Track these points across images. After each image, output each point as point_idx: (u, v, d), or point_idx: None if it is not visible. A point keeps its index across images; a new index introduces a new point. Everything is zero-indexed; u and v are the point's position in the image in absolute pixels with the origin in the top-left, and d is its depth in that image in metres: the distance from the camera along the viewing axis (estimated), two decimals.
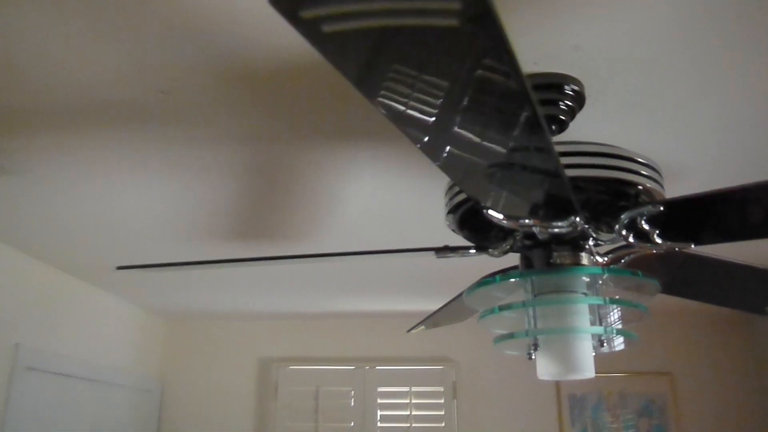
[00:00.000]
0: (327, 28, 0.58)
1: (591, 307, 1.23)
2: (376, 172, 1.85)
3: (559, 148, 1.15)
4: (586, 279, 1.23)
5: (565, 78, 1.33)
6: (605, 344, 1.21)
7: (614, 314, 1.25)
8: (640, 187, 1.17)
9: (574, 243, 1.24)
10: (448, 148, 0.87)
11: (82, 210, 2.16)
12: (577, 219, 1.12)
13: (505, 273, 1.28)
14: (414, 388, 3.88)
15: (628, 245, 1.29)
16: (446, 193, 1.29)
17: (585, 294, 1.23)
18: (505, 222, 1.15)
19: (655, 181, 1.19)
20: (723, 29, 1.19)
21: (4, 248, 2.58)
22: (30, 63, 1.31)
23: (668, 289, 1.69)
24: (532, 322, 1.21)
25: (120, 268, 1.63)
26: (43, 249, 2.63)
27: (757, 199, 1.14)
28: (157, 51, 1.26)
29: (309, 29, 0.59)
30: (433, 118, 0.77)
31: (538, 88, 1.32)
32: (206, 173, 1.85)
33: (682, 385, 3.78)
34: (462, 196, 1.23)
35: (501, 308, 1.21)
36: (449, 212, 1.28)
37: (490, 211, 1.13)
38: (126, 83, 1.38)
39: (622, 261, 1.42)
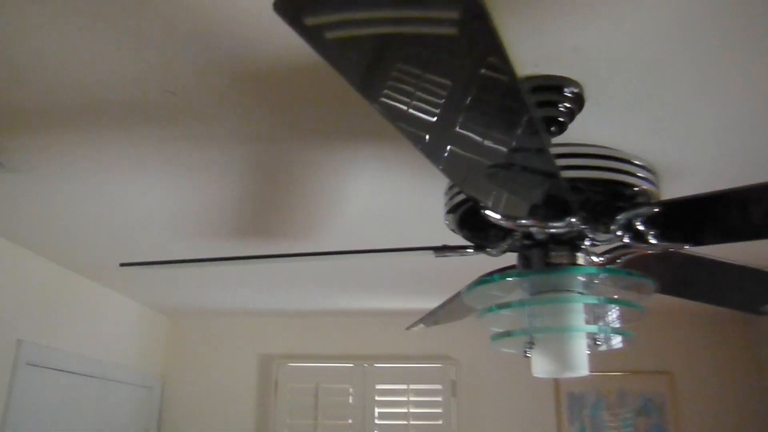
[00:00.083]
0: (329, 34, 0.60)
1: (587, 306, 1.25)
2: (377, 172, 1.87)
3: (556, 150, 1.17)
4: (582, 278, 1.25)
5: (564, 80, 1.35)
6: (600, 343, 1.23)
7: (611, 313, 1.27)
8: (636, 189, 1.19)
9: (571, 243, 1.26)
10: (447, 150, 0.89)
11: (85, 207, 2.18)
12: (574, 219, 1.14)
13: (503, 272, 1.30)
14: (412, 386, 3.91)
15: (625, 245, 1.31)
16: (446, 193, 1.31)
17: (581, 293, 1.25)
18: (503, 222, 1.17)
19: (651, 182, 1.21)
20: (722, 30, 1.21)
21: (6, 245, 2.60)
22: (32, 62, 1.32)
23: (666, 289, 1.72)
24: (529, 320, 1.23)
25: (123, 265, 1.65)
26: (46, 246, 2.65)
27: (751, 201, 1.16)
28: (159, 51, 1.28)
29: (312, 35, 0.61)
30: (433, 122, 0.79)
31: (537, 90, 1.34)
32: (208, 172, 1.87)
33: (680, 385, 3.80)
34: (461, 196, 1.25)
35: (499, 307, 1.23)
36: (449, 212, 1.30)
37: (489, 211, 1.15)
38: (128, 83, 1.40)
39: (619, 261, 1.44)
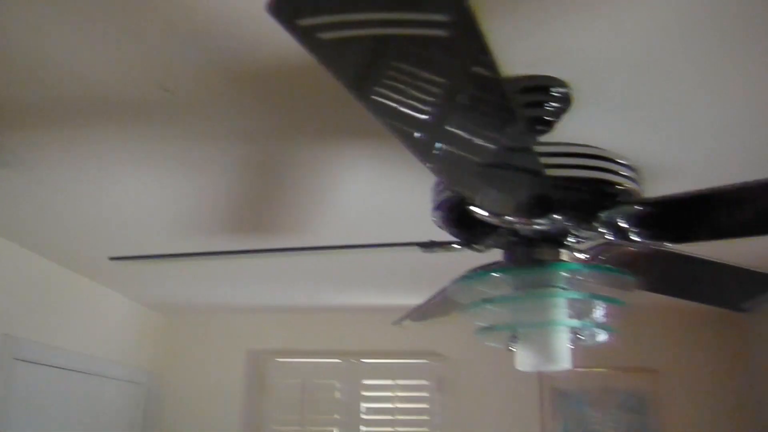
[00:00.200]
0: (322, 35, 0.62)
1: (570, 302, 1.28)
2: (371, 170, 1.89)
3: (541, 149, 1.19)
4: (565, 274, 1.28)
5: (551, 80, 1.38)
6: (583, 337, 1.27)
7: (593, 309, 1.30)
8: (619, 187, 1.21)
9: (555, 240, 1.29)
10: (435, 148, 0.92)
11: (78, 203, 2.19)
12: (558, 217, 1.17)
13: (488, 268, 1.32)
14: (399, 382, 3.94)
15: (608, 242, 1.35)
16: (433, 190, 1.34)
17: (564, 289, 1.28)
18: (489, 219, 1.20)
19: (633, 180, 1.24)
20: (709, 32, 1.23)
21: None
22: (30, 59, 1.33)
23: (649, 286, 1.75)
24: (513, 314, 1.25)
25: (113, 258, 1.66)
26: (38, 241, 2.65)
27: (733, 200, 1.19)
28: (156, 49, 1.29)
29: (305, 36, 0.63)
30: (422, 121, 0.82)
31: (524, 90, 1.37)
32: (203, 169, 1.89)
33: (664, 382, 3.84)
34: (448, 193, 1.27)
35: (483, 301, 1.26)
36: (436, 208, 1.32)
37: (475, 208, 1.18)
38: (125, 80, 1.41)
39: (602, 258, 1.47)
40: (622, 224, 1.24)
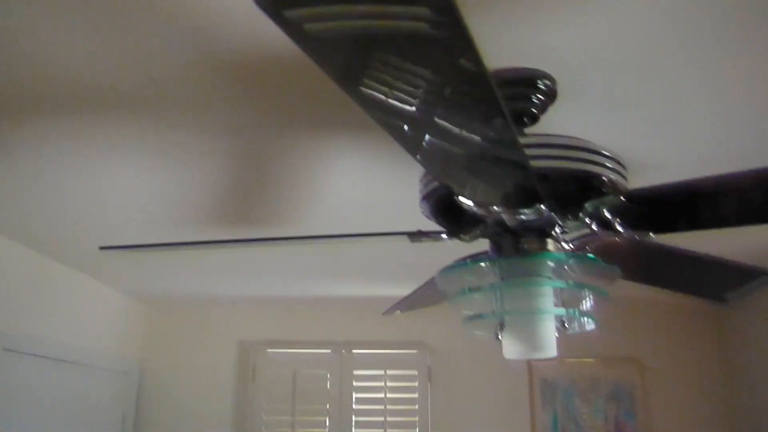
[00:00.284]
0: (309, 27, 0.64)
1: (556, 291, 1.30)
2: (359, 161, 1.90)
3: (527, 141, 1.21)
4: (551, 264, 1.30)
5: (536, 73, 1.39)
6: (568, 325, 1.29)
7: (578, 298, 1.32)
8: (603, 179, 1.23)
9: (541, 230, 1.31)
10: (423, 140, 0.93)
11: (65, 195, 2.19)
12: (543, 207, 1.19)
13: (475, 257, 1.34)
14: (389, 372, 3.96)
15: (593, 233, 1.37)
16: (420, 181, 1.35)
17: (550, 278, 1.30)
18: (475, 209, 1.21)
19: (618, 172, 1.26)
20: (694, 29, 1.25)
21: None
22: (18, 51, 1.33)
23: (633, 276, 1.78)
24: (499, 303, 1.27)
25: (103, 248, 1.67)
26: (26, 233, 2.64)
27: (715, 192, 1.21)
28: (144, 40, 1.30)
29: (292, 28, 0.64)
30: (409, 113, 0.83)
31: (510, 83, 1.38)
32: (192, 160, 1.89)
33: (650, 372, 3.90)
34: (435, 184, 1.29)
35: (470, 290, 1.28)
36: (423, 199, 1.34)
37: (462, 199, 1.19)
38: (113, 72, 1.41)
39: (588, 248, 1.49)
40: (607, 215, 1.26)
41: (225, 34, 1.27)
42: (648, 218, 1.27)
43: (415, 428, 3.87)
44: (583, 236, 1.47)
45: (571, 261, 1.29)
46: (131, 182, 2.08)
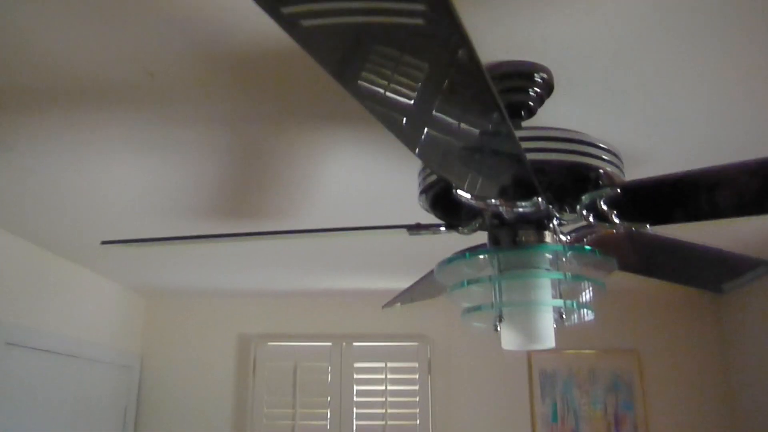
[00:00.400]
0: (306, 23, 0.64)
1: (553, 283, 1.31)
2: (358, 154, 1.91)
3: (523, 134, 1.22)
4: (549, 256, 1.31)
5: (533, 66, 1.40)
6: (566, 316, 1.30)
7: (576, 289, 1.33)
8: (600, 171, 1.24)
9: (539, 222, 1.32)
10: (421, 134, 0.94)
11: (64, 188, 2.20)
12: (540, 200, 1.20)
13: (473, 250, 1.35)
14: (389, 364, 3.98)
15: (590, 225, 1.38)
16: (419, 174, 1.36)
17: (548, 270, 1.32)
18: (473, 202, 1.22)
19: (614, 165, 1.27)
20: (690, 21, 1.26)
21: None
22: (13, 42, 1.34)
23: (630, 267, 1.79)
24: (498, 295, 1.29)
25: (104, 242, 1.68)
26: (26, 227, 2.65)
27: (710, 183, 1.22)
28: (141, 34, 1.31)
29: (289, 24, 0.65)
30: (406, 107, 0.84)
31: (506, 76, 1.39)
32: (188, 153, 1.90)
33: (647, 363, 3.92)
34: (433, 177, 1.30)
35: (469, 282, 1.29)
36: (422, 192, 1.35)
37: (460, 192, 1.20)
38: (110, 65, 1.42)
39: (585, 240, 1.51)
40: (604, 207, 1.27)
41: (223, 27, 1.28)
42: (644, 210, 1.28)
43: (416, 420, 3.89)
44: (580, 228, 1.48)
45: (568, 253, 1.30)
46: (130, 176, 2.09)
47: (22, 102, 1.60)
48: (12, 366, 2.74)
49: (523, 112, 1.43)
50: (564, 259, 1.33)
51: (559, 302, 1.29)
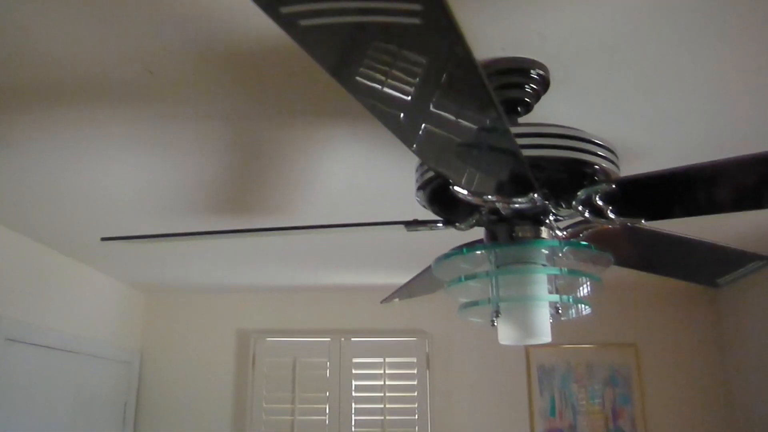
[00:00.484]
0: (304, 22, 0.65)
1: (550, 278, 1.33)
2: (355, 150, 1.92)
3: (520, 130, 1.23)
4: (545, 251, 1.32)
5: (529, 63, 1.41)
6: (562, 311, 1.31)
7: (572, 284, 1.35)
8: (595, 167, 1.25)
9: (535, 218, 1.33)
10: (418, 132, 0.95)
11: (64, 185, 2.21)
12: (537, 196, 1.21)
13: (470, 245, 1.36)
14: (388, 359, 4.00)
15: (586, 221, 1.39)
16: (417, 170, 1.37)
17: (544, 265, 1.33)
18: (470, 198, 1.23)
19: (609, 161, 1.28)
20: (685, 17, 1.27)
21: None
22: (12, 39, 1.35)
23: (627, 262, 1.80)
24: (495, 290, 1.30)
25: (104, 239, 1.69)
26: (26, 223, 2.66)
27: (705, 179, 1.23)
28: (141, 32, 1.31)
29: (288, 24, 0.66)
30: (404, 104, 0.85)
31: (503, 72, 1.40)
32: (188, 150, 1.91)
33: (645, 357, 3.94)
34: (431, 174, 1.30)
35: (466, 278, 1.30)
36: (419, 188, 1.36)
37: (457, 188, 1.21)
38: (110, 63, 1.42)
39: (582, 236, 1.52)
40: (600, 203, 1.28)
41: (222, 25, 1.29)
42: (640, 205, 1.29)
43: (415, 415, 3.91)
44: (577, 224, 1.49)
45: (564, 248, 1.31)
46: (130, 173, 2.10)
47: (23, 100, 1.60)
48: (12, 362, 2.75)
49: (519, 109, 1.43)
50: (560, 255, 1.34)
51: (556, 297, 1.30)
